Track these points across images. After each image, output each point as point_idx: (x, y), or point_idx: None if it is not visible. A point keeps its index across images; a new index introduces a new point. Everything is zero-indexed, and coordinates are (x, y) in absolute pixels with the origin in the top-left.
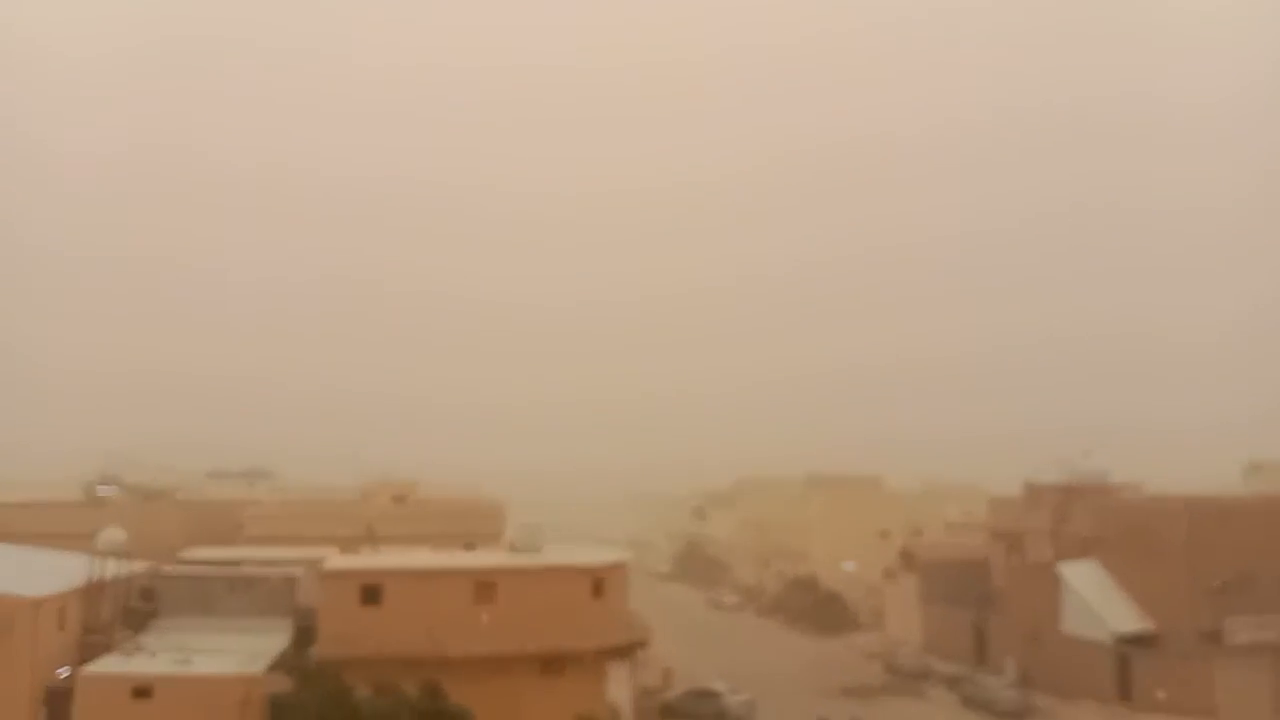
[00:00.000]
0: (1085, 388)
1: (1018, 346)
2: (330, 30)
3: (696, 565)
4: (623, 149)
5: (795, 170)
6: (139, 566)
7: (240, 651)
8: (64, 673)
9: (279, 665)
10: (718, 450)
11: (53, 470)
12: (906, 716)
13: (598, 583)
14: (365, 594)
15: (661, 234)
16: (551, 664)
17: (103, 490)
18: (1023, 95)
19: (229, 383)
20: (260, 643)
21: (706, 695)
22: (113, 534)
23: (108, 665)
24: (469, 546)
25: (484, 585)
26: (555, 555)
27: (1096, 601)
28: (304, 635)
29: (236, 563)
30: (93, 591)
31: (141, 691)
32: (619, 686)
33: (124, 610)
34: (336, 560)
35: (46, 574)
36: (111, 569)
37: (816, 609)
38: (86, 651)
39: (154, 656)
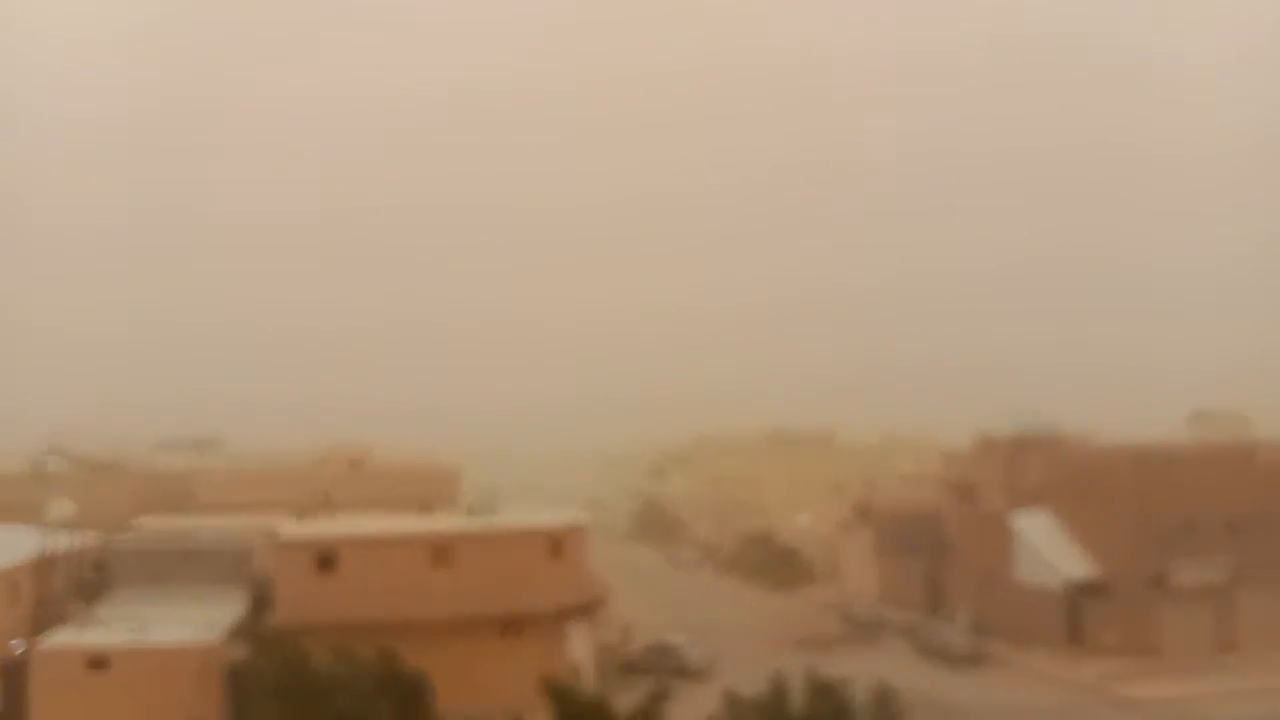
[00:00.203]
0: (1048, 325)
1: (983, 279)
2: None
3: (655, 523)
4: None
5: (759, 86)
6: (90, 538)
7: (196, 621)
8: (18, 646)
9: (235, 634)
10: (675, 408)
11: None
12: (862, 666)
13: (556, 544)
14: (321, 561)
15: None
16: (511, 626)
17: (48, 461)
18: (1022, 25)
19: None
20: (216, 612)
21: (666, 650)
22: (62, 505)
23: (63, 637)
24: (425, 510)
25: (441, 549)
26: (512, 518)
27: (1047, 549)
28: (260, 604)
29: (190, 532)
30: (44, 564)
31: (98, 663)
32: (579, 645)
33: (77, 582)
34: (291, 528)
35: None
36: (62, 541)
37: (773, 563)
38: (40, 624)
39: (109, 628)
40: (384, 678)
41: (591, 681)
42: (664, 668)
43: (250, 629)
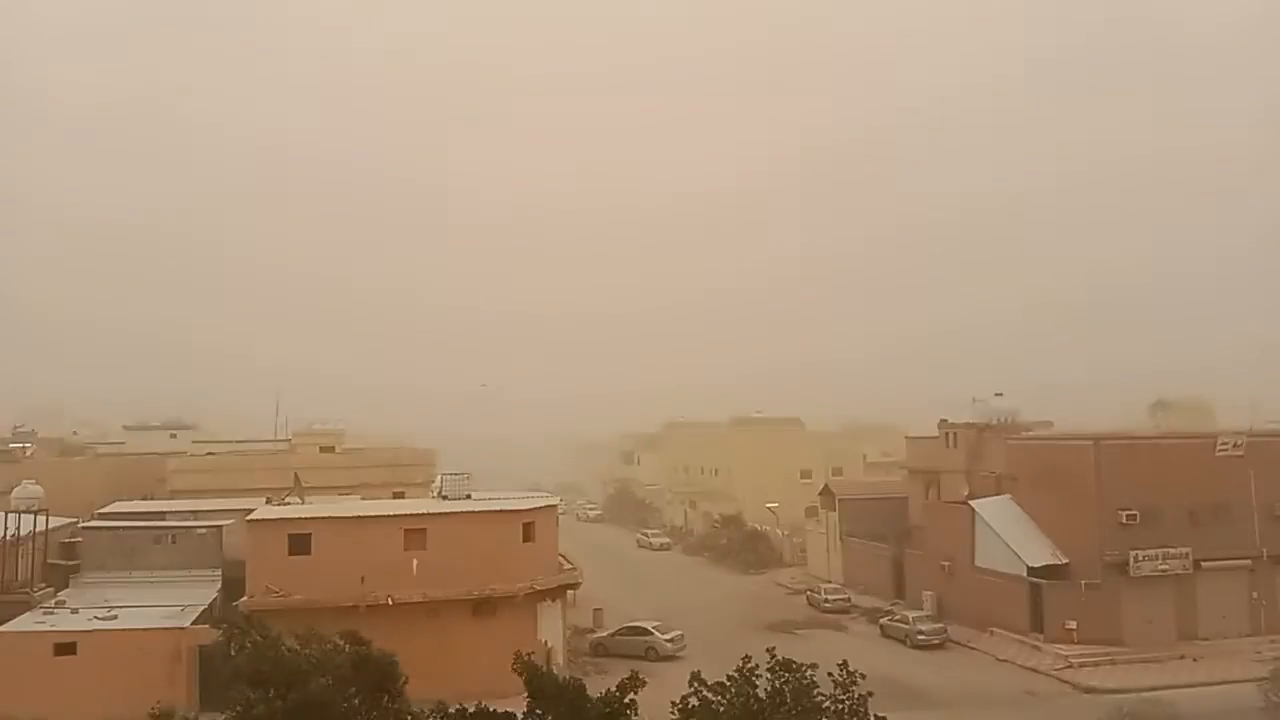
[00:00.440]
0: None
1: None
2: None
3: (626, 507)
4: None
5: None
6: (58, 522)
7: (167, 605)
8: None
9: (207, 617)
10: (647, 395)
11: None
12: (827, 648)
13: (528, 526)
14: (293, 543)
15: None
16: (483, 607)
17: (17, 445)
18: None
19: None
20: (187, 595)
21: (636, 632)
22: (29, 489)
23: (28, 623)
24: (398, 495)
25: (414, 531)
26: (485, 501)
27: (1009, 536)
28: (232, 587)
29: (161, 515)
30: (10, 548)
31: (64, 648)
32: (551, 627)
33: (44, 567)
34: (264, 510)
35: None
36: (29, 525)
37: (742, 547)
38: (5, 610)
39: (76, 613)
40: (354, 661)
41: (563, 663)
42: (634, 650)
43: (222, 612)
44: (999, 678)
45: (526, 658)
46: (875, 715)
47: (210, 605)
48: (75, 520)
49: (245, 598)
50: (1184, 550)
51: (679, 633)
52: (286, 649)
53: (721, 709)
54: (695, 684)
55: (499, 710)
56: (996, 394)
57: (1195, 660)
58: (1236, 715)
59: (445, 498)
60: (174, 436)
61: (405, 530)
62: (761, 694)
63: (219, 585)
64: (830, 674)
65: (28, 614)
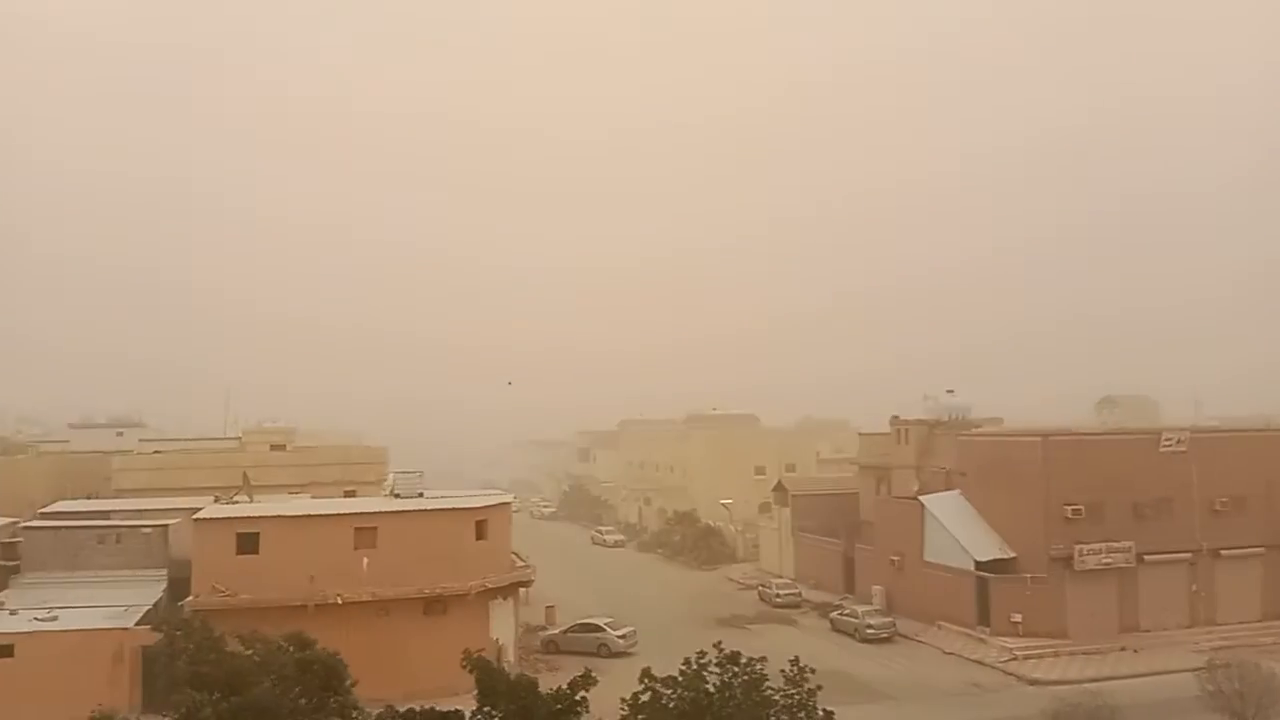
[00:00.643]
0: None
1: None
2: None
3: (580, 505)
4: None
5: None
6: (1, 521)
7: (110, 606)
8: None
9: (152, 618)
10: (603, 394)
11: None
12: (778, 643)
13: (480, 524)
14: (241, 542)
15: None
16: (434, 605)
17: None
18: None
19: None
20: (132, 596)
21: (589, 629)
22: None
23: None
24: (350, 493)
25: (364, 530)
26: (437, 499)
27: (958, 531)
28: (179, 586)
29: (105, 514)
30: None
31: (2, 650)
32: (503, 624)
33: None
34: (211, 509)
35: None
36: None
37: (695, 544)
38: None
39: (15, 614)
40: (299, 662)
41: (514, 661)
42: (586, 646)
43: (167, 613)
44: (945, 670)
45: (476, 655)
46: (824, 709)
47: (155, 606)
48: (16, 520)
49: (191, 598)
50: (1127, 544)
51: (631, 629)
52: (230, 651)
53: (671, 704)
54: (646, 680)
55: (448, 710)
56: (948, 391)
57: (1136, 652)
58: (1175, 705)
59: (397, 496)
60: (120, 435)
61: (356, 529)
62: (711, 688)
63: (164, 585)
64: (782, 670)
65: None
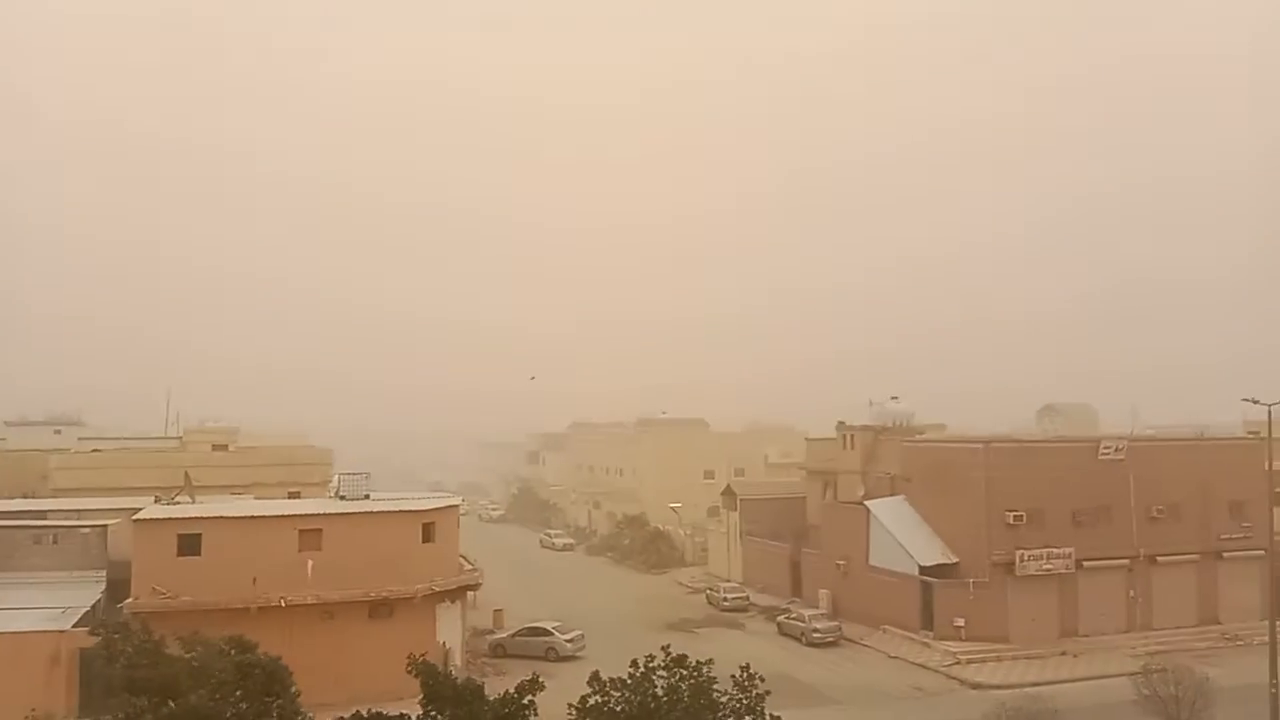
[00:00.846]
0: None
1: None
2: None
3: (529, 508)
4: None
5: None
6: None
7: (47, 607)
8: None
9: (90, 620)
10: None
11: None
12: (725, 647)
13: (427, 526)
14: (182, 543)
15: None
16: (380, 609)
17: None
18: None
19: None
20: (69, 597)
21: (537, 632)
22: None
23: None
24: (294, 495)
25: (309, 532)
26: (383, 501)
27: (902, 536)
28: (118, 588)
29: (42, 514)
30: None
31: None
32: (450, 628)
33: None
34: (152, 509)
35: None
36: None
37: (644, 547)
38: None
39: None
40: (240, 666)
41: (461, 664)
42: (534, 650)
43: (106, 615)
44: (890, 674)
45: (421, 659)
46: (770, 714)
47: (93, 607)
48: None
49: (131, 600)
50: (1067, 550)
51: (579, 633)
52: (169, 655)
53: (620, 707)
54: (594, 684)
55: (393, 715)
56: (892, 398)
57: (1076, 656)
58: (1112, 709)
59: (343, 498)
60: (58, 433)
61: (300, 531)
62: (660, 691)
63: (103, 587)
64: (732, 676)
65: None
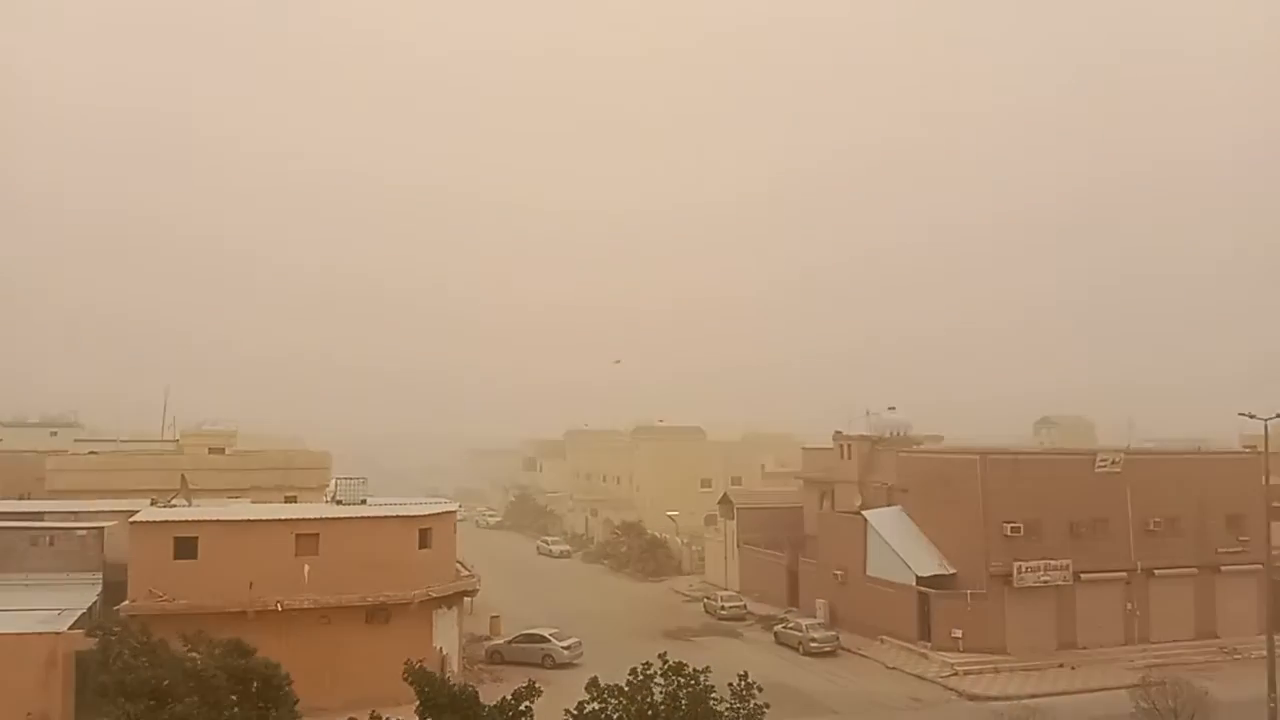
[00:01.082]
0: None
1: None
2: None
3: (526, 514)
4: None
5: None
6: None
7: (43, 609)
8: None
9: (86, 622)
10: (549, 403)
11: None
12: (723, 656)
13: (424, 532)
14: (179, 546)
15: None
16: (377, 614)
17: None
18: None
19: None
20: (65, 599)
21: (534, 639)
22: None
23: None
24: (291, 499)
25: (306, 536)
26: (381, 506)
27: (900, 546)
28: (114, 591)
29: (39, 515)
30: None
31: None
32: (446, 634)
33: None
34: (148, 511)
35: None
36: None
37: (641, 555)
38: None
39: None
40: (234, 671)
41: (458, 671)
42: (531, 657)
43: (102, 617)
44: (887, 685)
45: (418, 666)
46: None
47: (90, 610)
48: None
49: (127, 602)
50: (1064, 562)
51: (576, 640)
52: (166, 657)
53: (617, 714)
54: (592, 690)
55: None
56: (889, 408)
57: (1073, 668)
58: None
59: (340, 503)
60: (55, 434)
61: (297, 535)
62: (658, 699)
63: (99, 589)
64: (730, 684)
65: None
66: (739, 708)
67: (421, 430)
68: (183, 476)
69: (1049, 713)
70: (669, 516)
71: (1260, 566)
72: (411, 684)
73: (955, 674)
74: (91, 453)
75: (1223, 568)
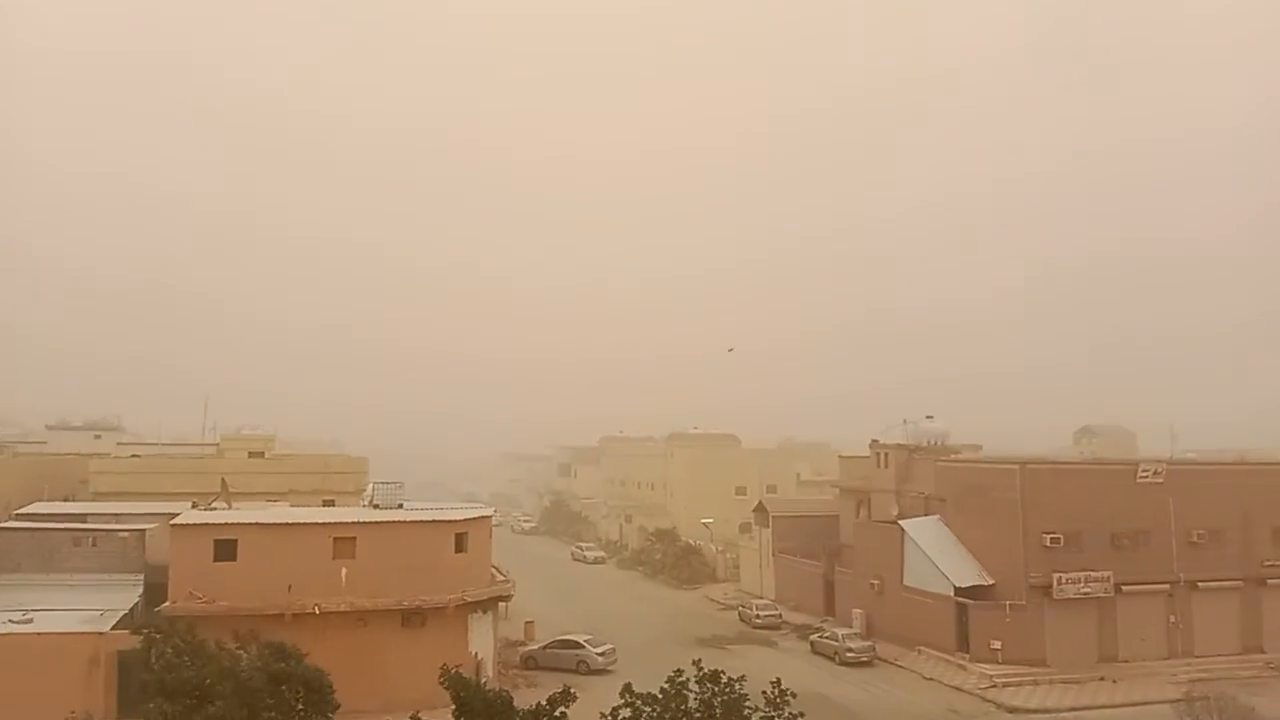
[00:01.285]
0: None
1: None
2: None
3: (561, 520)
4: None
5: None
6: None
7: (86, 609)
8: None
9: (128, 623)
10: (585, 411)
11: None
12: (758, 664)
13: (460, 537)
14: (219, 549)
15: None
16: (412, 618)
17: None
18: None
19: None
20: (108, 600)
21: (568, 645)
22: None
23: None
24: (328, 503)
25: (343, 540)
26: (417, 511)
27: (938, 557)
28: (155, 592)
29: (82, 517)
30: None
31: None
32: (481, 639)
33: None
34: (189, 514)
35: None
36: None
37: (675, 562)
38: None
39: None
40: (276, 674)
41: (493, 675)
42: (565, 663)
43: (143, 618)
44: (924, 696)
45: (454, 671)
46: None
47: (131, 610)
48: None
49: (168, 603)
50: (1105, 574)
51: (610, 646)
52: (206, 657)
53: None
54: (626, 696)
55: None
56: (927, 417)
57: (1114, 681)
58: None
59: (377, 507)
60: (98, 437)
61: (334, 538)
62: (692, 707)
63: (141, 590)
64: (763, 692)
65: None
66: (774, 716)
67: (458, 437)
68: (223, 480)
69: None
70: (703, 524)
71: None
72: (448, 688)
73: (993, 686)
74: (134, 456)
75: (1269, 581)
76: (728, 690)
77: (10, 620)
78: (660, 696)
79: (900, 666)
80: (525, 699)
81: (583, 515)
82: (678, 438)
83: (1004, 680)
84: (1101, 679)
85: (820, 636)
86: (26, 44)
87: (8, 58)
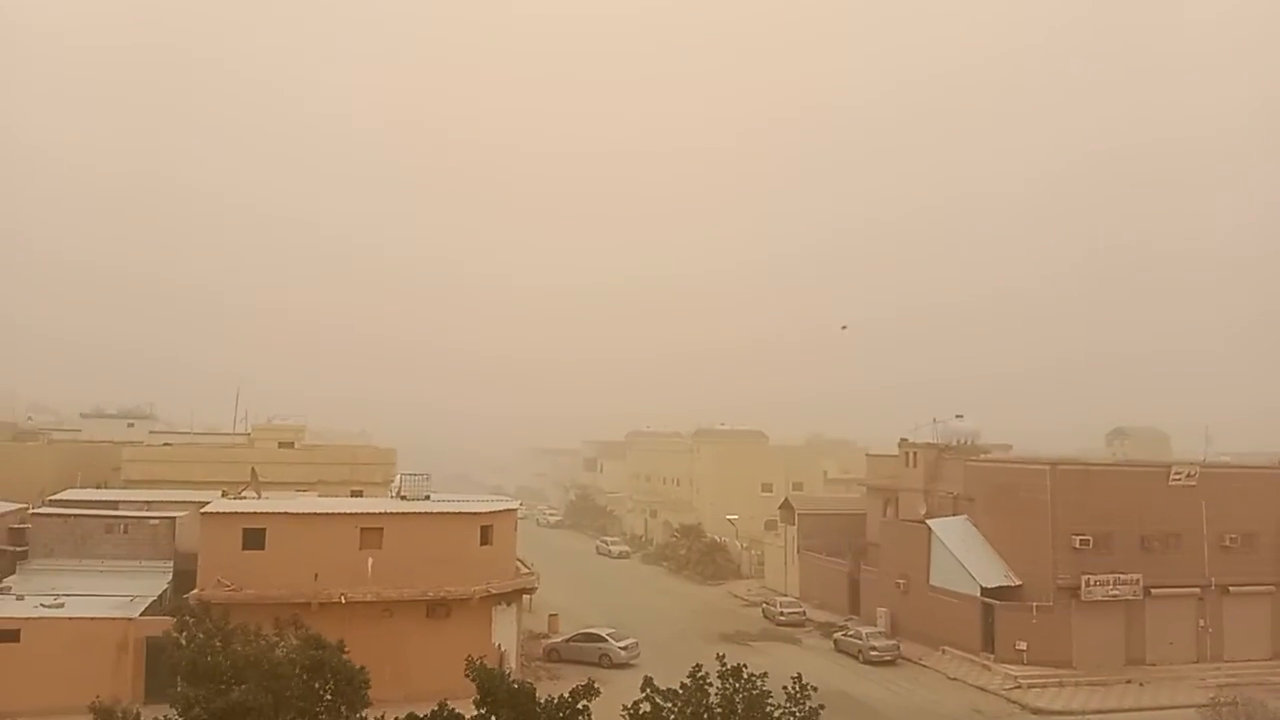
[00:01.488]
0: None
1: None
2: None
3: (586, 514)
4: None
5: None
6: (7, 507)
7: (116, 595)
8: None
9: (157, 609)
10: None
11: None
12: (781, 661)
13: (486, 529)
14: (248, 537)
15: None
16: (437, 609)
17: None
18: None
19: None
20: (138, 586)
21: (591, 639)
22: None
23: None
24: (356, 493)
25: (370, 530)
26: (444, 503)
27: (964, 556)
28: (184, 579)
29: (114, 504)
30: None
31: (8, 635)
32: (505, 631)
33: None
34: (219, 503)
35: None
36: None
37: (700, 558)
38: None
39: (21, 599)
40: (311, 665)
41: (516, 667)
42: (588, 657)
43: (172, 604)
44: (949, 696)
45: (479, 662)
46: None
47: (160, 597)
48: (25, 506)
49: (196, 590)
50: (1134, 576)
51: (633, 640)
52: (239, 642)
53: (672, 716)
54: (647, 689)
55: (454, 710)
56: (957, 416)
57: (1142, 685)
58: None
59: (404, 498)
60: (131, 425)
61: (362, 529)
62: (714, 702)
63: (170, 577)
64: (785, 688)
65: None
66: (793, 710)
67: (485, 431)
68: (253, 469)
69: None
70: (729, 520)
71: None
72: (473, 680)
73: (1018, 687)
74: (166, 444)
75: None
76: (749, 686)
77: (42, 604)
78: (681, 691)
79: (924, 666)
80: (548, 691)
81: (608, 510)
82: (704, 433)
83: (1029, 681)
84: (1128, 682)
85: (844, 634)
86: (30, 38)
87: (12, 51)
